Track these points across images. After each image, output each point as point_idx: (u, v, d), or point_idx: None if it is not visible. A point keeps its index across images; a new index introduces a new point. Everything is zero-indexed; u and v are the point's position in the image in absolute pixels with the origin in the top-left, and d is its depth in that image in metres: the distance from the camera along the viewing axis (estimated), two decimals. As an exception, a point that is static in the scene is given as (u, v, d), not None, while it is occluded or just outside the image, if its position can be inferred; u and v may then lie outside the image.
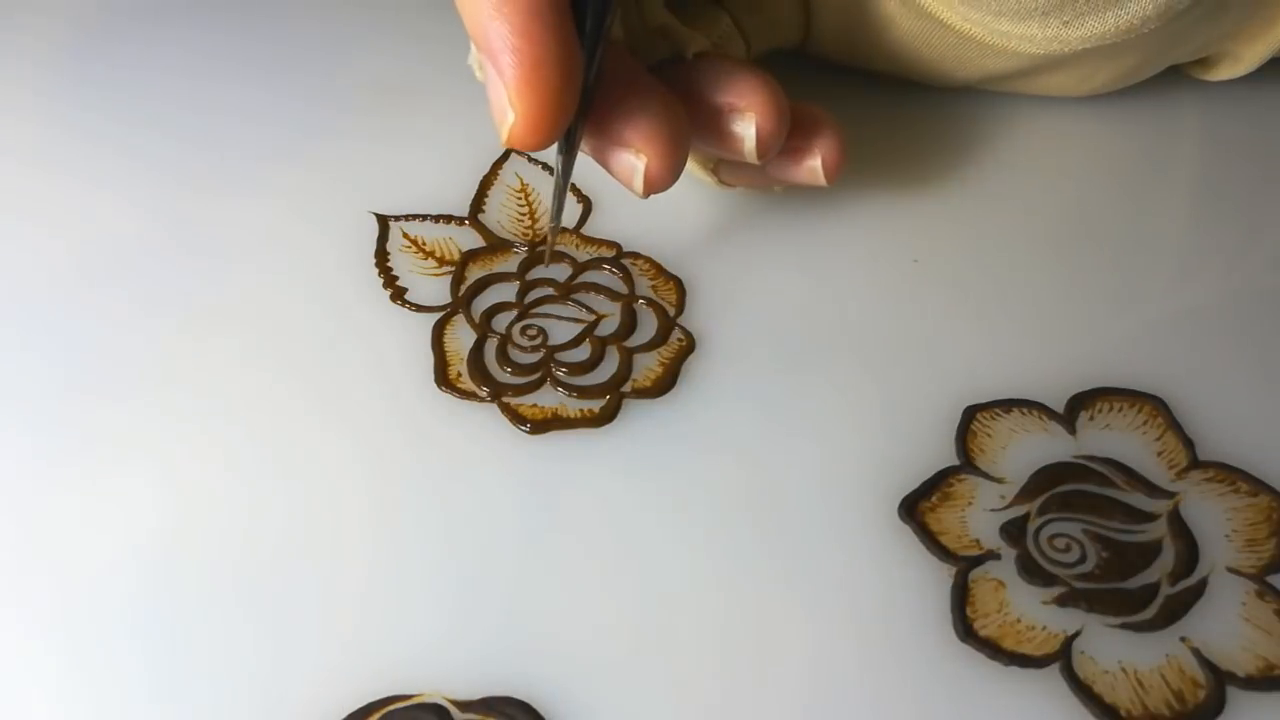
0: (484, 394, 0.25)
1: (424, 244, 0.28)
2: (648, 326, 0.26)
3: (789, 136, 0.25)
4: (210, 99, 0.33)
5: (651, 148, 0.23)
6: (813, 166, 0.26)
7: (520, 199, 0.29)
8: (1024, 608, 0.21)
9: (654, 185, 0.24)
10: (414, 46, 0.34)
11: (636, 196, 0.24)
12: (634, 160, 0.23)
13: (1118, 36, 0.25)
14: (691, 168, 0.27)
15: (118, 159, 0.31)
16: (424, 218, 0.29)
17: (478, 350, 0.26)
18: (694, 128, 0.25)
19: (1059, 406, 0.24)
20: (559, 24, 0.21)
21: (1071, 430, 0.24)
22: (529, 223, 0.28)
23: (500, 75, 0.21)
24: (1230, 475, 0.23)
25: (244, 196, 0.30)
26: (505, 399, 0.25)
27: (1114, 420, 0.24)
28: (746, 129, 0.24)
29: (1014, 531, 0.22)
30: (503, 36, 0.20)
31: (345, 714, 0.20)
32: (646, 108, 0.23)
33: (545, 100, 0.21)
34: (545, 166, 0.30)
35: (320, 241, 0.28)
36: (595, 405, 0.24)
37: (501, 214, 0.29)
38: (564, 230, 0.28)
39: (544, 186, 0.29)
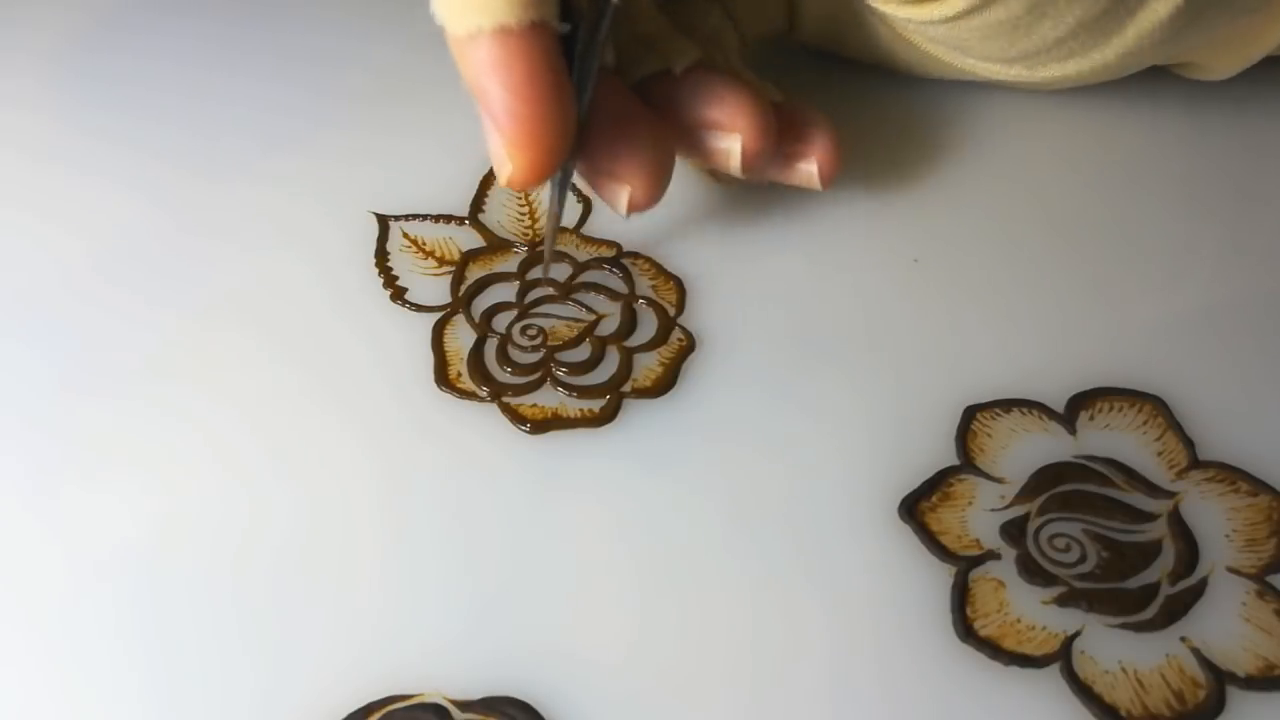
0: (484, 394, 0.25)
1: (424, 244, 0.28)
2: (648, 326, 0.26)
3: (784, 140, 0.26)
4: (214, 90, 0.33)
5: (636, 179, 0.24)
6: (808, 171, 0.26)
7: (520, 199, 0.29)
8: (1024, 608, 0.21)
9: (636, 209, 0.25)
10: (419, 39, 0.34)
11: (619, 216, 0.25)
12: (618, 188, 0.24)
13: (1080, 80, 0.26)
14: (690, 163, 0.28)
15: (117, 150, 0.31)
16: (424, 218, 0.29)
17: (478, 350, 0.26)
18: (680, 142, 0.25)
19: (1059, 406, 0.24)
20: (555, 81, 0.22)
21: (1071, 430, 0.24)
22: (529, 223, 0.28)
23: (498, 131, 0.22)
24: (1230, 475, 0.23)
25: (241, 195, 0.30)
26: (505, 399, 0.25)
27: (1114, 420, 0.24)
28: (732, 146, 0.25)
29: (1014, 531, 0.22)
30: (500, 98, 0.21)
31: (345, 714, 0.20)
32: (633, 140, 0.24)
33: (540, 154, 0.22)
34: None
35: (320, 241, 0.28)
36: (595, 405, 0.24)
37: (501, 214, 0.29)
38: (564, 230, 0.28)
39: (543, 187, 0.29)
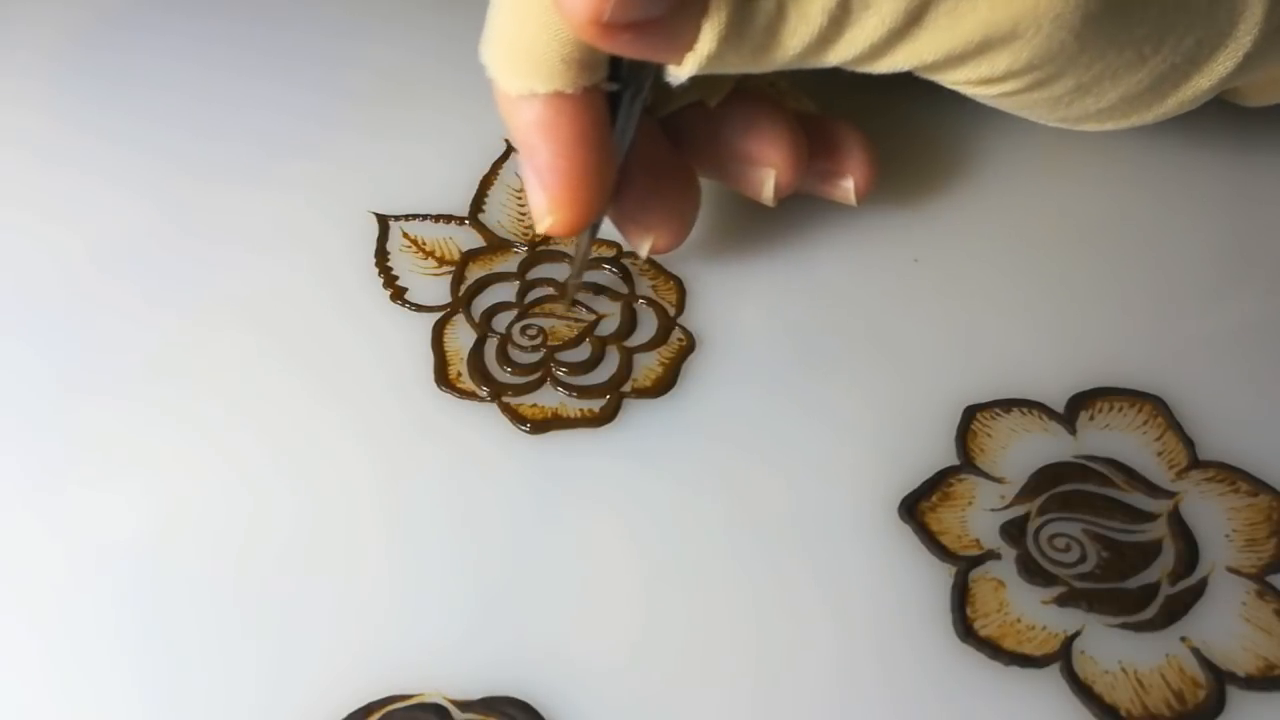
0: (484, 394, 0.25)
1: (424, 244, 0.28)
2: (648, 326, 0.26)
3: (820, 158, 0.26)
4: (215, 90, 0.33)
5: (662, 229, 0.25)
6: (845, 188, 0.26)
7: (520, 199, 0.29)
8: (1024, 608, 0.21)
9: (657, 254, 0.26)
10: (420, 40, 0.34)
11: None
12: (644, 234, 0.25)
13: (1116, 128, 0.25)
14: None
15: (118, 149, 0.31)
16: (424, 218, 0.29)
17: (478, 350, 0.26)
18: (713, 171, 0.26)
19: (1059, 406, 0.24)
20: (600, 142, 0.22)
21: (1071, 430, 0.24)
22: (529, 223, 0.28)
23: (541, 186, 0.23)
24: (1230, 475, 0.23)
25: (242, 195, 0.30)
26: (505, 399, 0.25)
27: (1114, 420, 0.24)
28: (765, 179, 0.25)
29: (1014, 531, 0.22)
30: (547, 156, 0.22)
31: (345, 714, 0.20)
32: (664, 193, 0.25)
33: (581, 210, 0.23)
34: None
35: (320, 241, 0.28)
36: (595, 405, 0.24)
37: (501, 214, 0.29)
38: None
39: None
